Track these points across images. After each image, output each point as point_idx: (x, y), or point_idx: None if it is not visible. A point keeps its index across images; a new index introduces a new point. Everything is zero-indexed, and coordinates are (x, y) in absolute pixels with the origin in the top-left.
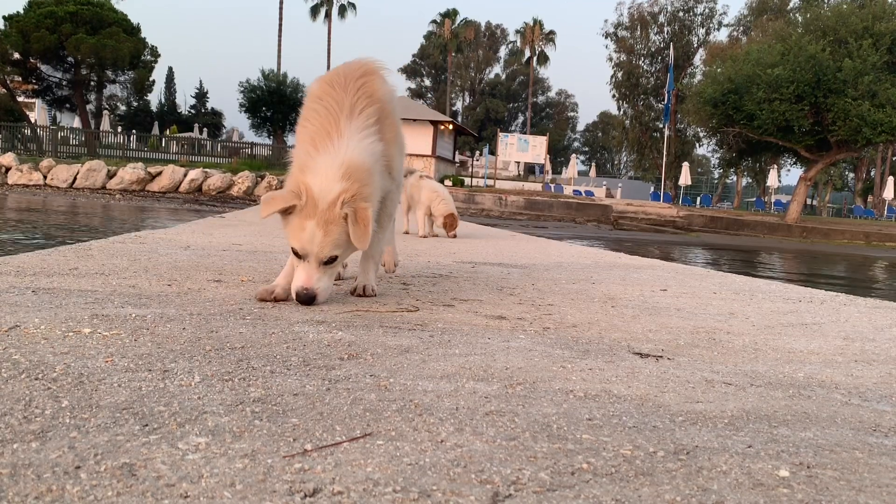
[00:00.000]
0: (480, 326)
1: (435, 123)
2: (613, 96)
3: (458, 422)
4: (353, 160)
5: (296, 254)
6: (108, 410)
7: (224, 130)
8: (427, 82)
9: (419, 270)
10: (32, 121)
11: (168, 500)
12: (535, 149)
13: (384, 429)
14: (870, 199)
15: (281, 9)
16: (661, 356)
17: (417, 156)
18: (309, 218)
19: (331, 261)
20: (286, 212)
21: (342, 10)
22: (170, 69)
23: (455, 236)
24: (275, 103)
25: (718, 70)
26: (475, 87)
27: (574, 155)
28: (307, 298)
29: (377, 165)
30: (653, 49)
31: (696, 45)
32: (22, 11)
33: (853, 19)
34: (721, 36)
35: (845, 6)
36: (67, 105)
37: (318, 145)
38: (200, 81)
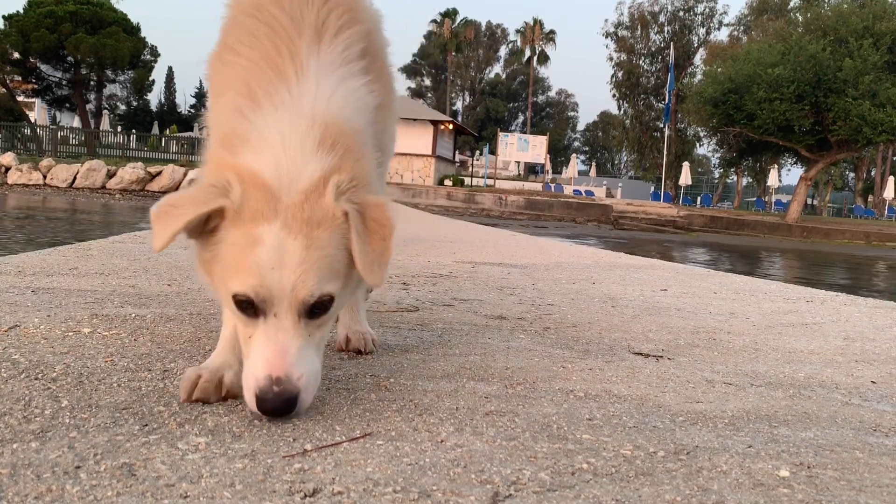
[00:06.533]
0: (480, 326)
1: (435, 123)
2: (614, 96)
3: (458, 422)
4: (334, 115)
5: (242, 306)
6: (108, 410)
7: None
8: (427, 82)
9: (419, 270)
10: (32, 120)
11: (168, 500)
12: (536, 148)
13: (384, 429)
14: (870, 198)
15: None
16: (661, 356)
17: (418, 156)
18: (264, 221)
19: (320, 308)
20: (205, 230)
21: None
22: (170, 69)
23: None
24: None
25: (719, 70)
26: (475, 87)
27: (574, 155)
28: (284, 403)
29: (369, 130)
30: (653, 49)
31: (696, 45)
32: (22, 11)
33: (853, 19)
34: (721, 35)
35: (846, 6)
36: (67, 105)
37: (260, 94)
38: (200, 81)
